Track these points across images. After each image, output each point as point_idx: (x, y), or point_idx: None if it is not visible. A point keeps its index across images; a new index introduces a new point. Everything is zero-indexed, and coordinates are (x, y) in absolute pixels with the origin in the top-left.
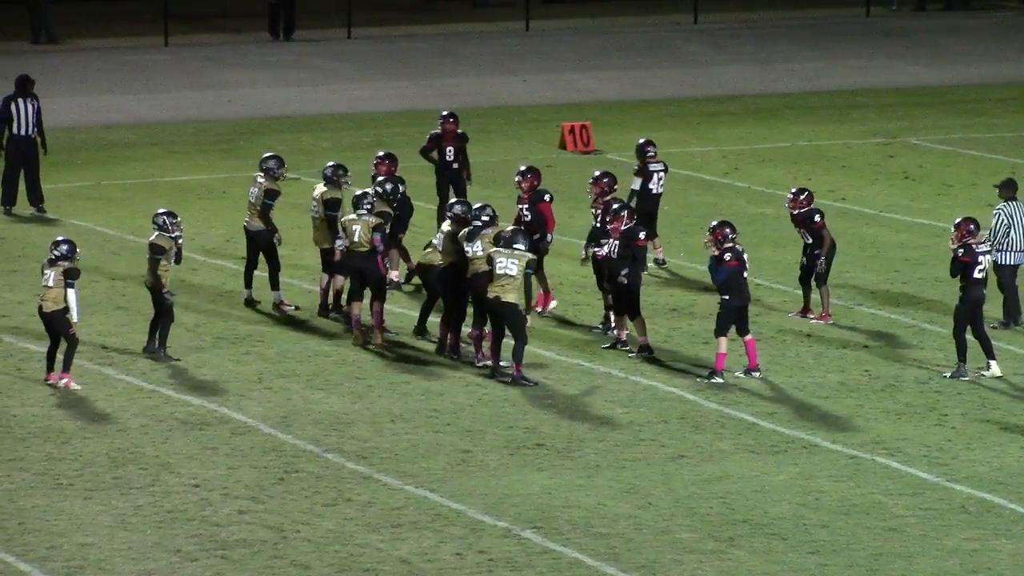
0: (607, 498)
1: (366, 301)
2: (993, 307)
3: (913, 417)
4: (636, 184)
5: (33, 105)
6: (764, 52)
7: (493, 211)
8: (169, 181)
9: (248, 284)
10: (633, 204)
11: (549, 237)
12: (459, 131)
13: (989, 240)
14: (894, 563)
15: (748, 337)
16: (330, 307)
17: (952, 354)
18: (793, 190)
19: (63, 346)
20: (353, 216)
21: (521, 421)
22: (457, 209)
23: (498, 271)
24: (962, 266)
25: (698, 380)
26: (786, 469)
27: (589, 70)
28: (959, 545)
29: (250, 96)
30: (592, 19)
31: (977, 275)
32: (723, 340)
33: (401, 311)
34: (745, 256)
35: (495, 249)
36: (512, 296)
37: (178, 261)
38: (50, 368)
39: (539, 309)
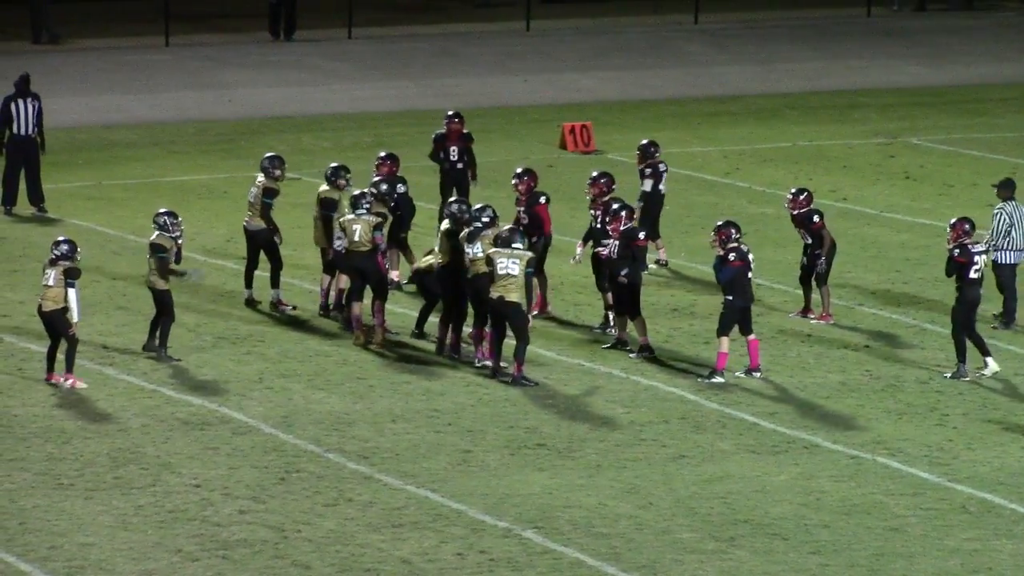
0: (608, 498)
1: (367, 301)
2: (993, 307)
3: (914, 417)
4: (648, 185)
5: (34, 105)
6: (765, 52)
7: (494, 212)
8: (170, 181)
9: (249, 284)
10: (641, 205)
11: (541, 240)
12: (464, 131)
13: (991, 239)
14: (895, 563)
15: (751, 337)
16: (331, 307)
17: (953, 354)
18: (793, 190)
19: (63, 346)
20: (352, 216)
21: (522, 421)
22: (453, 208)
23: (499, 271)
24: (958, 266)
25: (699, 380)
26: (787, 469)
27: (590, 70)
28: (960, 545)
29: (251, 96)
30: (593, 19)
31: (973, 275)
32: (724, 340)
33: (402, 311)
34: (750, 256)
35: (495, 250)
36: (515, 296)
37: (178, 261)
38: (51, 368)
39: (535, 312)
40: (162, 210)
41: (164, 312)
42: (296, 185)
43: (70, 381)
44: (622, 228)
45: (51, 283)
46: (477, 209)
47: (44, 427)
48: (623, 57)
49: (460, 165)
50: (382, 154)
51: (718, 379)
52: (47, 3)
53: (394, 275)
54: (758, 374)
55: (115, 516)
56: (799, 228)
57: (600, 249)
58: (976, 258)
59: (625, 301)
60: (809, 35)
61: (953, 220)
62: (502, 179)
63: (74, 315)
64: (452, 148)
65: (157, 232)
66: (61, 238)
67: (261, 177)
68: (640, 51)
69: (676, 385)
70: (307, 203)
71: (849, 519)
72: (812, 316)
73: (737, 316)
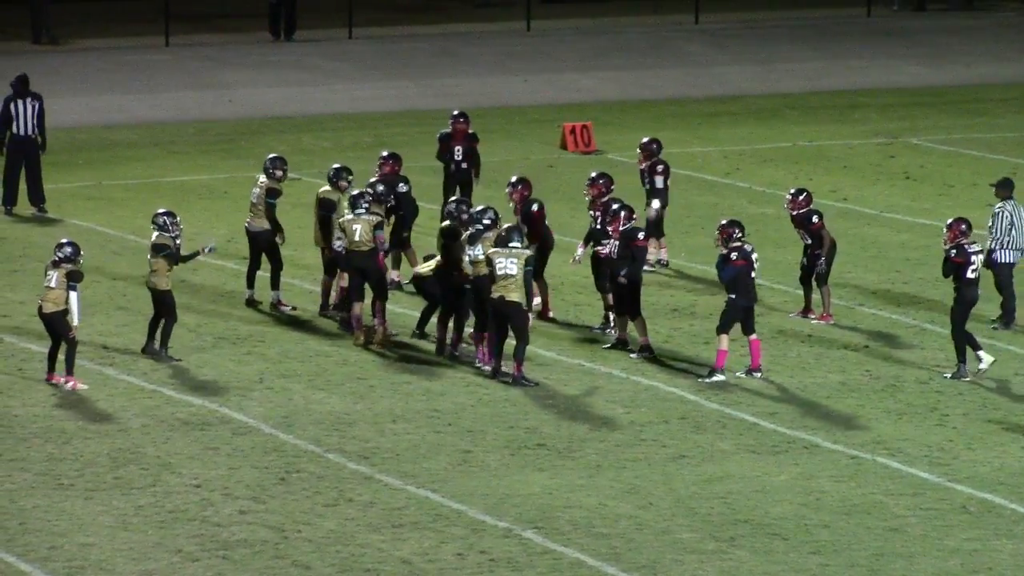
0: (608, 498)
1: (367, 300)
2: (992, 308)
3: (914, 417)
4: (660, 182)
5: (34, 106)
6: (765, 52)
7: (495, 214)
8: (170, 181)
9: (250, 284)
10: (657, 204)
11: (535, 247)
12: (469, 131)
13: (994, 237)
14: (895, 563)
15: (753, 337)
16: (331, 307)
17: (953, 354)
18: (792, 191)
19: (63, 348)
20: (352, 216)
21: (522, 421)
22: (451, 207)
23: (499, 271)
24: (955, 267)
25: (699, 380)
26: (787, 469)
27: (590, 70)
28: (960, 545)
29: (251, 96)
30: (593, 19)
31: (970, 275)
32: (724, 338)
33: (402, 311)
34: (754, 256)
35: (493, 250)
36: (516, 295)
37: (177, 262)
38: (51, 368)
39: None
40: (161, 210)
41: (166, 312)
42: (296, 185)
43: (70, 383)
44: (622, 228)
45: (53, 285)
46: (478, 211)
47: (44, 427)
48: (623, 57)
49: (465, 165)
50: (384, 153)
51: (718, 377)
52: (47, 3)
53: (395, 275)
54: (759, 374)
55: (115, 516)
56: (799, 228)
57: (600, 249)
58: (973, 258)
59: (625, 301)
60: (809, 35)
61: (950, 220)
62: (502, 179)
63: (74, 318)
64: (457, 148)
65: (157, 232)
66: (65, 240)
67: (263, 178)
68: (640, 51)
69: (676, 385)
70: (307, 203)
71: (849, 519)
72: (812, 316)
73: (739, 315)
